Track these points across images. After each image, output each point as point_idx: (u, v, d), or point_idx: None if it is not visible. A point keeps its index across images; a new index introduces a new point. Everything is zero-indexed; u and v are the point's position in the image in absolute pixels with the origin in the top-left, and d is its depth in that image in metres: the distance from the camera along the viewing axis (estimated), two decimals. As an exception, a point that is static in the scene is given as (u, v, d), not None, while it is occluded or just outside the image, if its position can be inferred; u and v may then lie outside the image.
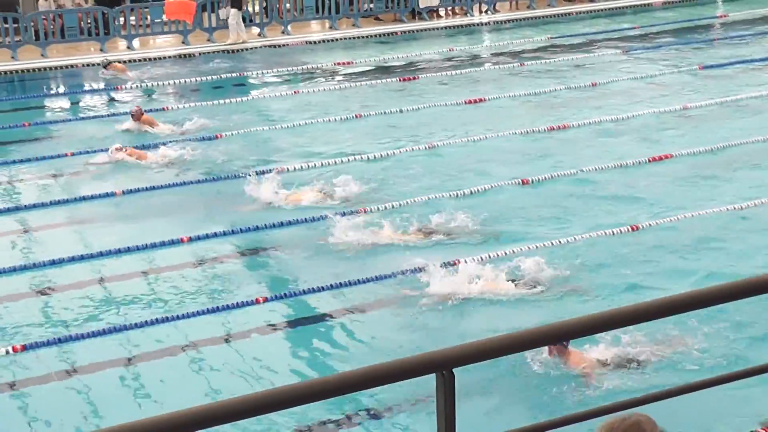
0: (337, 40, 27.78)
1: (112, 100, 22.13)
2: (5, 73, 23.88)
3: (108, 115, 20.40)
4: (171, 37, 27.52)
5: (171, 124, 19.01)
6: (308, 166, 16.40)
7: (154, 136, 18.19)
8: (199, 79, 23.52)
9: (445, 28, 29.32)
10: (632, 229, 13.17)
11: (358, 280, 11.86)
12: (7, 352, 10.34)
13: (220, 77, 23.56)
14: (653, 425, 2.86)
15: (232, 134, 18.54)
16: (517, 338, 3.78)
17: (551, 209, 14.15)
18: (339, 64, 24.93)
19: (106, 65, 23.52)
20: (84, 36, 26.19)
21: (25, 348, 10.42)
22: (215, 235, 13.50)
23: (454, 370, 3.56)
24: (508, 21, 30.13)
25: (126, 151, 16.72)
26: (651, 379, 9.23)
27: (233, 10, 26.45)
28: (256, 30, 27.97)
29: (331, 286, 11.75)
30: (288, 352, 10.55)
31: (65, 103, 22.10)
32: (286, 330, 11.04)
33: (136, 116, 18.67)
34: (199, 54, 26.03)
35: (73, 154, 17.24)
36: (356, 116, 19.56)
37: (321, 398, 3.50)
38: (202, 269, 12.60)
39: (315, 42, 27.60)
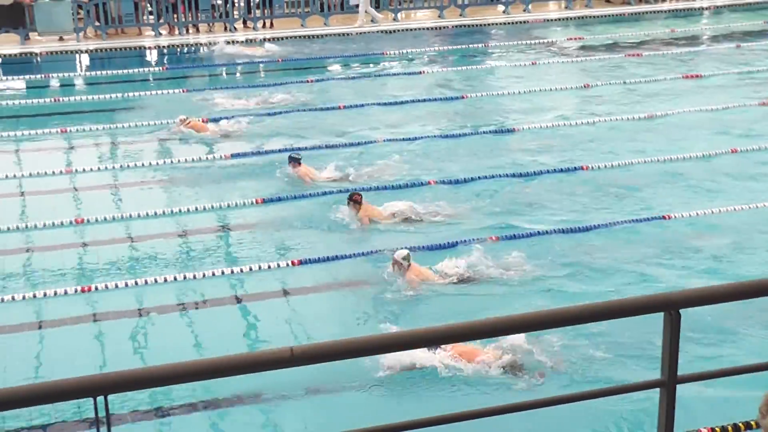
0: (571, 18, 27.11)
1: (376, 63, 22.48)
2: (295, 37, 24.70)
3: (374, 75, 20.75)
4: (429, 11, 27.65)
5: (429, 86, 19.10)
6: (539, 127, 16.20)
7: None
8: (450, 47, 23.54)
9: (669, 11, 28.03)
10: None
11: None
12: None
13: (470, 47, 23.50)
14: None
15: (475, 96, 18.51)
16: (741, 287, 3.60)
17: (760, 177, 13.45)
18: (571, 39, 24.35)
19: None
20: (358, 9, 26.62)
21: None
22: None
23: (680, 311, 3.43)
24: (727, 5, 28.49)
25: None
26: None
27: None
28: (501, 8, 27.66)
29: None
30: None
31: (340, 64, 22.55)
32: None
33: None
34: (452, 27, 26.02)
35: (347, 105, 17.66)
36: (585, 86, 19.08)
37: (559, 326, 3.45)
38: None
39: (551, 20, 27.05)
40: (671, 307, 3.41)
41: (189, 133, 15.89)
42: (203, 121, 16.37)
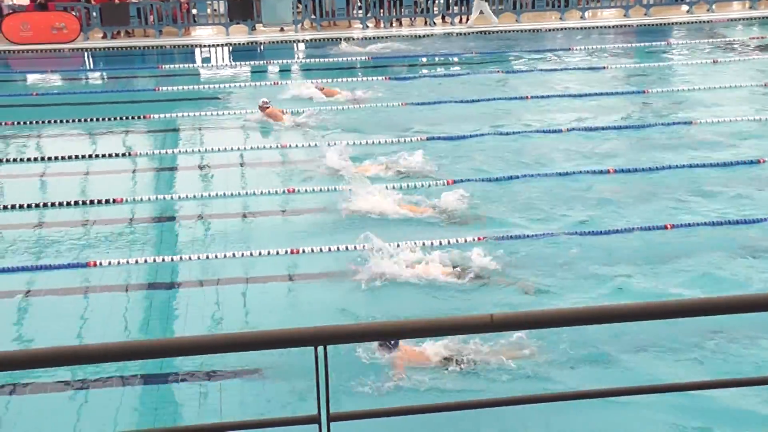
0: (755, 18, 25.55)
1: (562, 57, 21.92)
2: (459, 34, 24.52)
3: (560, 69, 20.26)
4: (615, 10, 26.72)
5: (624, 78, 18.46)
6: (717, 121, 15.38)
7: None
8: (633, 45, 22.70)
9: None
10: None
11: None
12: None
13: (652, 45, 22.56)
14: None
15: (656, 91, 17.80)
16: None
17: None
18: (754, 38, 22.95)
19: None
20: (549, 7, 26.13)
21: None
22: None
23: None
24: None
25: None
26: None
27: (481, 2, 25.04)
28: (685, 8, 26.37)
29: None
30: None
31: (530, 58, 22.12)
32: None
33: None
34: (636, 25, 25.06)
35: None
36: (765, 84, 17.94)
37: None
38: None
39: (735, 20, 25.58)
40: None
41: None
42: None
